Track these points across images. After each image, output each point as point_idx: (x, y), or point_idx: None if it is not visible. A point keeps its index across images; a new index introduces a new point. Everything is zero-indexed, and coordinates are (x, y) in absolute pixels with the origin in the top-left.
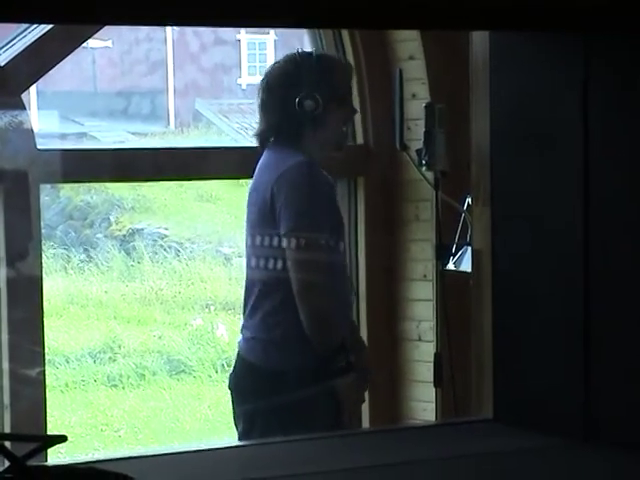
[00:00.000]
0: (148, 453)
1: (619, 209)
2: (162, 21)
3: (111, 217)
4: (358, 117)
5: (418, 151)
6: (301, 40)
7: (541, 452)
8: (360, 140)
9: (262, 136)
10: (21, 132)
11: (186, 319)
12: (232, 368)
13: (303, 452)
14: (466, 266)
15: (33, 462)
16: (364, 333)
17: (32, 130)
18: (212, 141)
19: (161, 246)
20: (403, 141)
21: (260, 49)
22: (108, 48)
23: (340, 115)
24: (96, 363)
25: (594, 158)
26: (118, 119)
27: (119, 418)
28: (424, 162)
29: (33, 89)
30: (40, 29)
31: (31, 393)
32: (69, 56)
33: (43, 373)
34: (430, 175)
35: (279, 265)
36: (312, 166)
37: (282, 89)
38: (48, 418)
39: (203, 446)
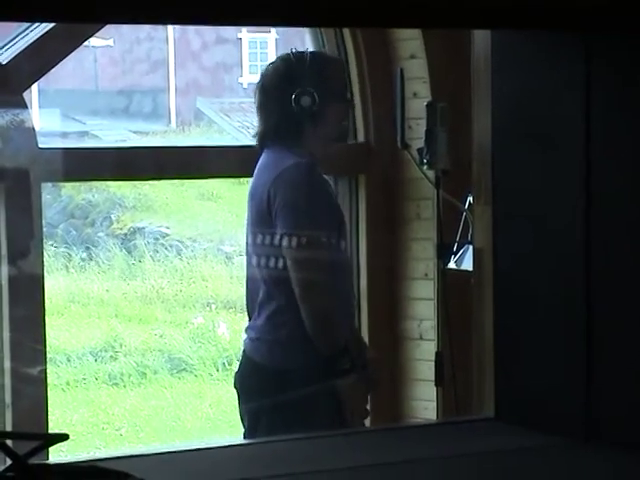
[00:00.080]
0: (149, 451)
1: (621, 208)
2: (162, 20)
3: (112, 216)
4: (359, 115)
5: (419, 150)
6: (302, 39)
7: (542, 451)
8: (361, 138)
9: (261, 137)
10: (22, 131)
11: (187, 318)
12: (237, 367)
13: (305, 451)
14: (467, 265)
15: (35, 460)
16: (365, 332)
17: (33, 129)
18: (213, 140)
19: (162, 245)
20: (404, 139)
21: (261, 48)
22: (109, 47)
23: (338, 109)
24: (97, 361)
25: (596, 157)
26: (119, 118)
27: (120, 416)
28: (425, 161)
29: (35, 87)
30: (42, 28)
31: (32, 391)
32: (70, 55)
33: (44, 371)
34: (431, 174)
35: (283, 265)
36: (310, 167)
37: (278, 89)
38: (49, 416)
39: (204, 444)
